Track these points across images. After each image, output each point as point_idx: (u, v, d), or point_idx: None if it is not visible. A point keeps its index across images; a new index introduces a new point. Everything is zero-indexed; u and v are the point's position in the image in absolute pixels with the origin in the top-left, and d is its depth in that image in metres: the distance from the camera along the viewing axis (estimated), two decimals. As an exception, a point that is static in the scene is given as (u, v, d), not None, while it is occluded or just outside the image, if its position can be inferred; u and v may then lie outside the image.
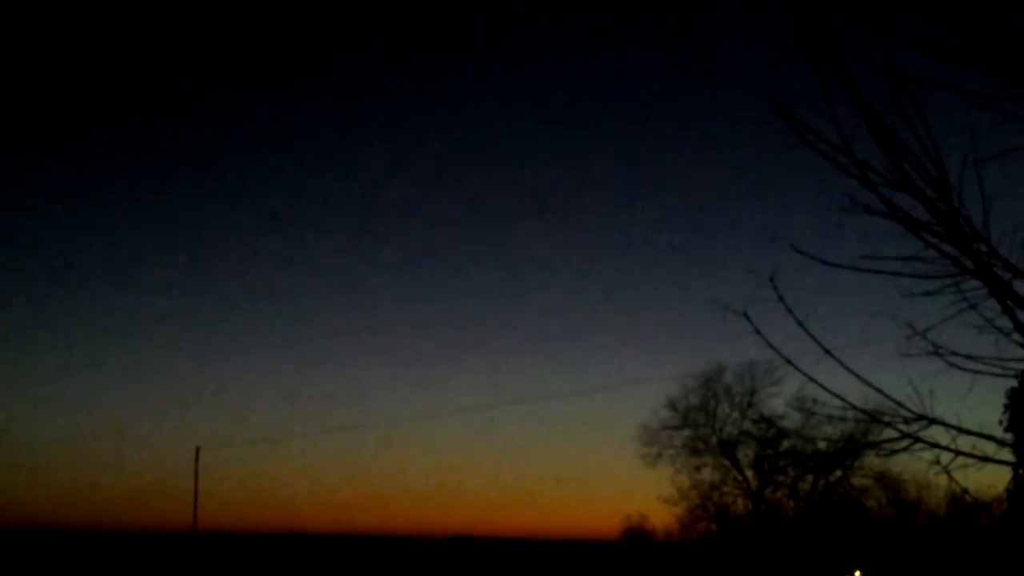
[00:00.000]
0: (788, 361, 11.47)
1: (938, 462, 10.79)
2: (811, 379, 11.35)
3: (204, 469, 66.08)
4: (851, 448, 45.58)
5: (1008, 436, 12.50)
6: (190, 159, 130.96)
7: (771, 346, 11.41)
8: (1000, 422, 17.02)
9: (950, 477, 11.03)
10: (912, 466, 52.33)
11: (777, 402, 57.50)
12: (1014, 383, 13.40)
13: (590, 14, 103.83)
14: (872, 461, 53.69)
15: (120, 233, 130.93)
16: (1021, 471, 13.85)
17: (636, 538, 67.76)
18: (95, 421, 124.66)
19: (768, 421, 56.74)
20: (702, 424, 58.90)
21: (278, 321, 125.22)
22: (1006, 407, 17.61)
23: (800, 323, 11.24)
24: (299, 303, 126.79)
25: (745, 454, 58.51)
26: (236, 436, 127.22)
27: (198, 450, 65.79)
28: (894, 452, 11.79)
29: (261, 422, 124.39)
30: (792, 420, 54.68)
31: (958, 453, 10.69)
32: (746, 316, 11.31)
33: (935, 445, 10.73)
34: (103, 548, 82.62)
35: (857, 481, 56.45)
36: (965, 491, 12.30)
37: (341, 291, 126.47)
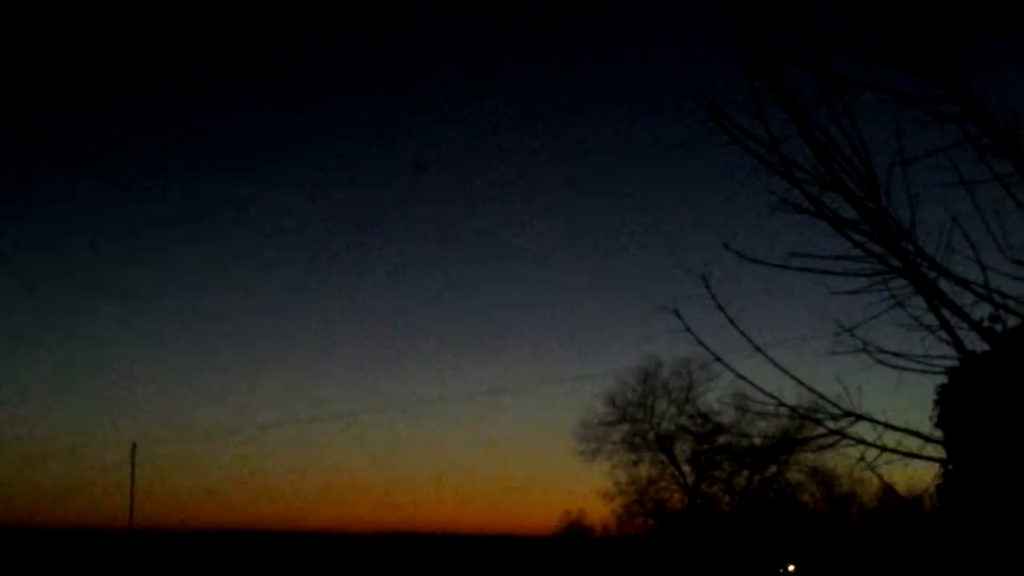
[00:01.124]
0: (718, 359, 11.57)
1: (863, 458, 10.91)
2: (740, 376, 11.45)
3: (141, 465, 65.54)
4: (785, 444, 46.10)
5: (938, 432, 12.64)
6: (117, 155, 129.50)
7: (701, 343, 11.49)
8: (930, 418, 17.22)
9: (874, 472, 11.17)
10: (845, 461, 52.76)
11: (713, 397, 57.92)
12: (941, 379, 13.56)
13: (532, 16, 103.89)
14: (806, 456, 54.16)
15: (56, 226, 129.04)
16: (950, 467, 14.03)
17: (574, 533, 67.90)
18: (29, 416, 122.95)
19: (704, 416, 57.09)
20: (640, 419, 59.14)
21: (215, 316, 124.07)
22: (936, 403, 17.81)
23: (732, 320, 11.32)
24: (236, 298, 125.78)
25: (682, 449, 58.85)
26: (173, 432, 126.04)
27: (134, 446, 65.22)
28: (822, 448, 11.95)
29: (198, 418, 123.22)
30: (728, 415, 55.12)
31: (883, 449, 10.82)
32: (676, 314, 11.38)
33: (860, 441, 10.86)
34: (37, 546, 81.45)
35: (792, 476, 57.01)
36: (889, 486, 12.46)
37: (280, 287, 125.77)
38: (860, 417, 10.90)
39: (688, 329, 11.39)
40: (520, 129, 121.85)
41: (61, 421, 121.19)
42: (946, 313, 10.47)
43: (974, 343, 10.81)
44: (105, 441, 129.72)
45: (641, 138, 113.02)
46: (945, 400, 16.15)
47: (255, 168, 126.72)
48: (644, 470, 59.08)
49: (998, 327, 10.65)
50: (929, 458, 11.35)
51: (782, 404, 11.41)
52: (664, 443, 58.60)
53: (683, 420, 58.47)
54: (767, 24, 10.30)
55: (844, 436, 10.97)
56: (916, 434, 11.05)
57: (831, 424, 11.08)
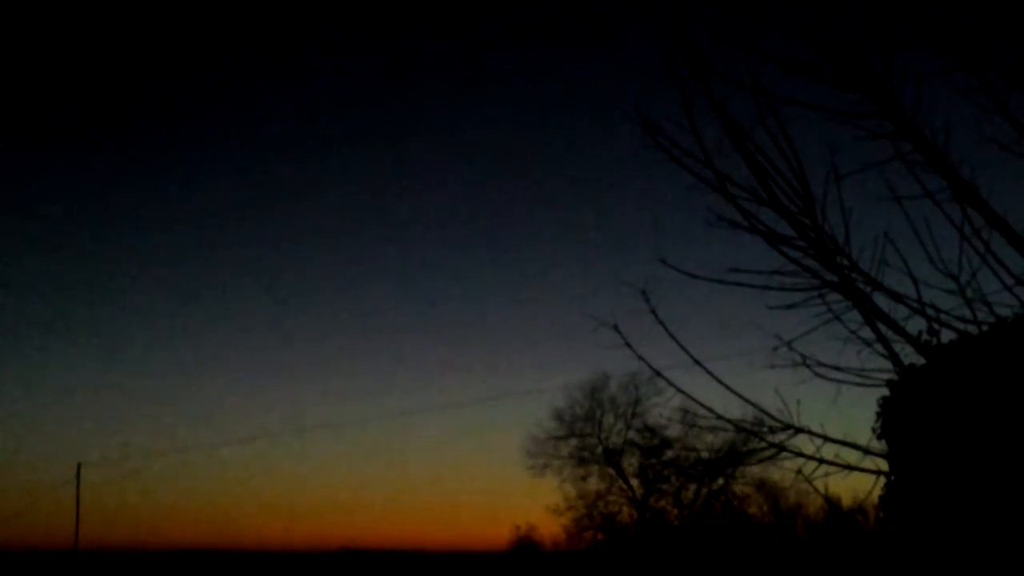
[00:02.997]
0: (658, 373, 11.65)
1: (800, 472, 11.00)
2: (680, 391, 11.52)
3: (86, 485, 64.92)
4: (729, 457, 46.47)
5: (876, 444, 12.77)
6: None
7: (641, 358, 11.55)
8: (873, 429, 17.38)
9: (812, 486, 11.26)
10: (791, 474, 52.97)
11: (661, 411, 58.16)
12: (880, 391, 13.70)
13: (469, 28, 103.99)
14: (753, 469, 54.49)
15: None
16: (892, 478, 14.19)
17: (524, 548, 67.87)
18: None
19: (652, 430, 57.32)
20: (588, 434, 59.29)
21: (159, 334, 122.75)
22: (878, 415, 17.98)
23: (672, 335, 11.39)
24: (179, 315, 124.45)
25: (630, 463, 59.03)
26: (119, 451, 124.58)
27: (79, 466, 64.59)
28: (763, 461, 12.06)
29: (144, 437, 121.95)
30: (675, 429, 55.39)
31: (822, 462, 10.91)
32: (616, 329, 11.43)
33: (799, 454, 10.94)
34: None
35: (739, 489, 57.30)
36: (827, 498, 12.57)
37: (221, 304, 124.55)
38: (799, 430, 10.99)
39: (628, 344, 11.45)
40: (457, 144, 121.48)
41: (3, 441, 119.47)
42: (882, 327, 10.58)
43: (910, 356, 10.94)
44: (50, 461, 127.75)
45: (580, 153, 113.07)
46: (887, 412, 16.34)
47: (211, 176, 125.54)
48: (593, 484, 59.28)
49: (934, 341, 10.77)
50: (867, 470, 11.45)
51: (721, 417, 11.50)
52: (612, 457, 58.79)
53: (631, 434, 58.71)
54: (701, 40, 10.40)
55: (784, 449, 11.06)
56: (854, 446, 11.16)
57: (771, 438, 11.16)
